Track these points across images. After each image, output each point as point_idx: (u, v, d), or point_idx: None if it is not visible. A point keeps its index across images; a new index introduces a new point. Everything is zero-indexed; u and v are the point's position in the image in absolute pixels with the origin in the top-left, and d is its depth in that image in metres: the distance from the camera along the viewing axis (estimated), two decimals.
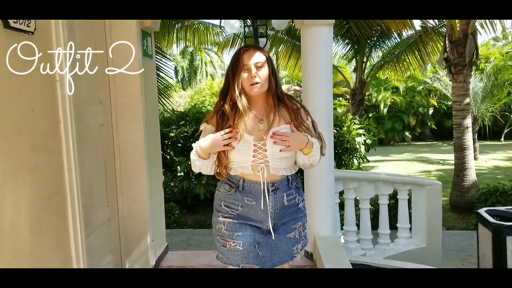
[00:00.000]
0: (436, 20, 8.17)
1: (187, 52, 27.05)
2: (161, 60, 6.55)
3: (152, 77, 3.25)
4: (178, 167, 6.04)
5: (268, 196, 1.70)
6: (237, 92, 1.66)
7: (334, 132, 4.59)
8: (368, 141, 6.58)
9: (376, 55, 10.50)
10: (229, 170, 1.72)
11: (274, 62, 3.23)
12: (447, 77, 11.80)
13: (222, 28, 7.09)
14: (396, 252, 3.96)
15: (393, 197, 4.91)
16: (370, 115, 16.14)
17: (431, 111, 19.24)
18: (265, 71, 1.68)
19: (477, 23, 7.16)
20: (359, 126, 6.42)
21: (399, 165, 12.39)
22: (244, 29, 7.01)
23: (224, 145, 1.64)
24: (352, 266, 2.68)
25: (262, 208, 1.70)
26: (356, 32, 8.23)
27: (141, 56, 2.79)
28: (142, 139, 2.77)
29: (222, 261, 1.75)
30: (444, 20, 7.78)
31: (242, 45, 4.08)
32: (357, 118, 7.16)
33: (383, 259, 3.69)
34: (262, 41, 6.04)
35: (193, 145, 1.71)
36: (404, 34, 8.92)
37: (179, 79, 27.68)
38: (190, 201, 6.57)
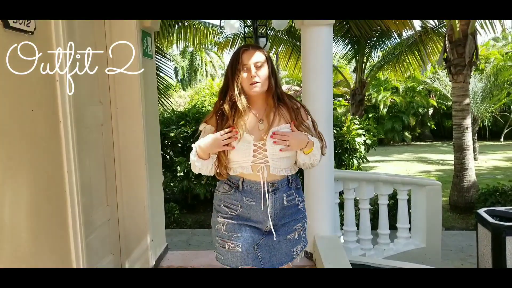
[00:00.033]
0: (436, 20, 8.17)
1: (187, 52, 27.05)
2: (161, 60, 6.55)
3: (152, 77, 3.25)
4: (178, 167, 6.04)
5: (268, 196, 1.69)
6: (236, 92, 1.64)
7: (334, 132, 4.61)
8: (368, 141, 6.58)
9: (376, 55, 10.51)
10: (228, 170, 1.71)
11: (274, 62, 3.22)
12: (447, 77, 11.77)
13: (222, 28, 7.08)
14: (396, 252, 3.96)
15: (393, 197, 4.91)
16: (370, 115, 16.12)
17: (431, 111, 19.24)
18: (264, 71, 1.67)
19: (477, 23, 7.16)
20: (359, 126, 6.42)
21: (398, 165, 12.39)
22: (244, 29, 7.02)
23: (224, 145, 1.63)
24: (352, 266, 2.68)
25: (262, 209, 1.69)
26: (356, 32, 8.23)
27: (141, 56, 2.79)
28: (142, 139, 2.77)
29: (220, 262, 1.73)
30: (444, 20, 7.78)
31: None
32: (357, 118, 7.16)
33: (382, 259, 3.69)
34: (262, 41, 6.04)
35: (193, 145, 1.70)
36: (404, 34, 8.94)
37: (179, 79, 27.68)
38: (190, 201, 6.56)
